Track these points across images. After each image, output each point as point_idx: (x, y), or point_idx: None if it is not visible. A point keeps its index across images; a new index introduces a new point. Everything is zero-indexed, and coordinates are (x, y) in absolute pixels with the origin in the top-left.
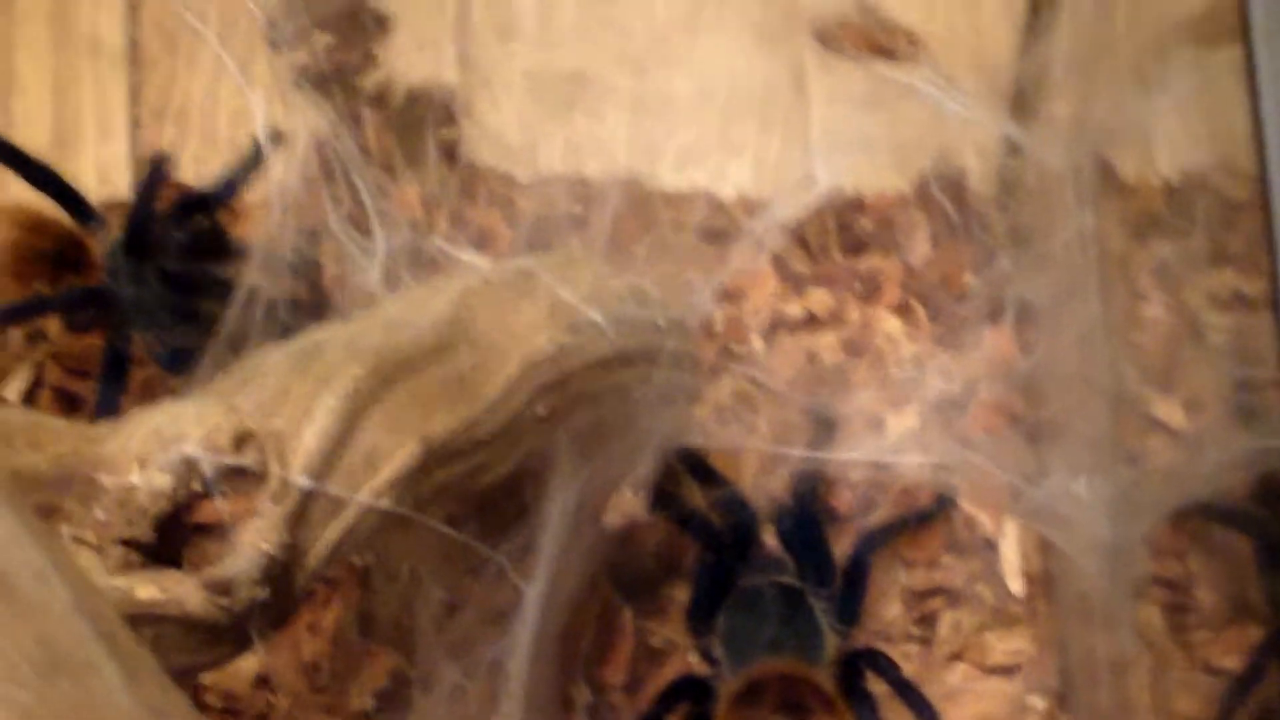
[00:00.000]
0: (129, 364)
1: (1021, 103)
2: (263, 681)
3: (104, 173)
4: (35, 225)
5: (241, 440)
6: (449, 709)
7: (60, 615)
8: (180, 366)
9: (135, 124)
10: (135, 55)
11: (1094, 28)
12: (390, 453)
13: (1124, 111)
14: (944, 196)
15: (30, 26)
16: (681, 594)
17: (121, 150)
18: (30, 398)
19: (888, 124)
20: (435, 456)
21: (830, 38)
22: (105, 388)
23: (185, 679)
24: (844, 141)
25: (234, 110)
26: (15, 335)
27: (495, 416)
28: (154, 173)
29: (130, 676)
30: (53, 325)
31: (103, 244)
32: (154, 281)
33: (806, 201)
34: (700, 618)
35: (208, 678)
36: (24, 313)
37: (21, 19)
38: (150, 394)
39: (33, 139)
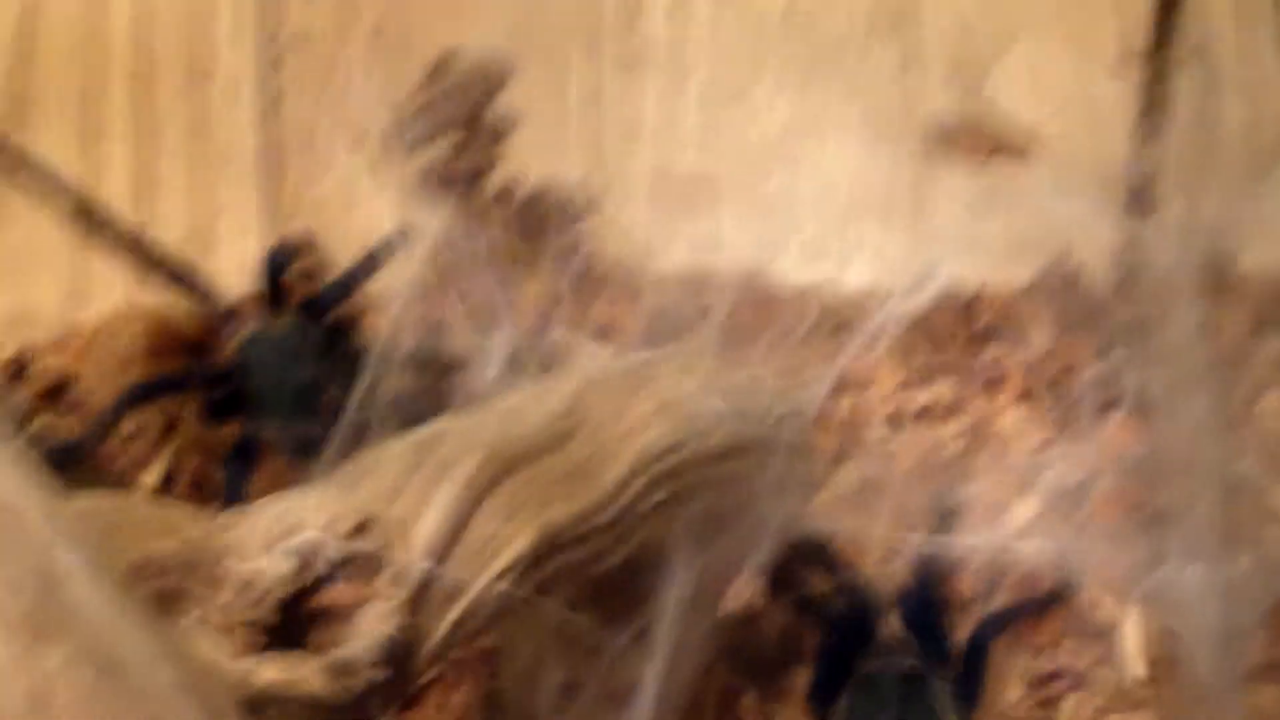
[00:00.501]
0: (257, 452)
1: (1136, 200)
2: None
3: (240, 271)
4: (164, 320)
5: (362, 526)
6: None
7: (168, 698)
8: (306, 455)
9: (270, 222)
10: (270, 156)
11: (1207, 127)
12: (508, 539)
13: (1241, 207)
14: (1062, 291)
15: (171, 129)
16: (803, 679)
17: (256, 249)
18: (166, 485)
19: (1005, 220)
20: (552, 543)
21: (948, 138)
22: (233, 474)
23: None
24: (963, 237)
25: (365, 210)
26: (153, 426)
27: (611, 505)
28: (282, 250)
29: None
30: (189, 417)
31: (232, 336)
32: (283, 368)
33: (924, 294)
34: (822, 701)
35: None
36: (160, 389)
37: (164, 121)
38: (277, 481)
39: (170, 237)
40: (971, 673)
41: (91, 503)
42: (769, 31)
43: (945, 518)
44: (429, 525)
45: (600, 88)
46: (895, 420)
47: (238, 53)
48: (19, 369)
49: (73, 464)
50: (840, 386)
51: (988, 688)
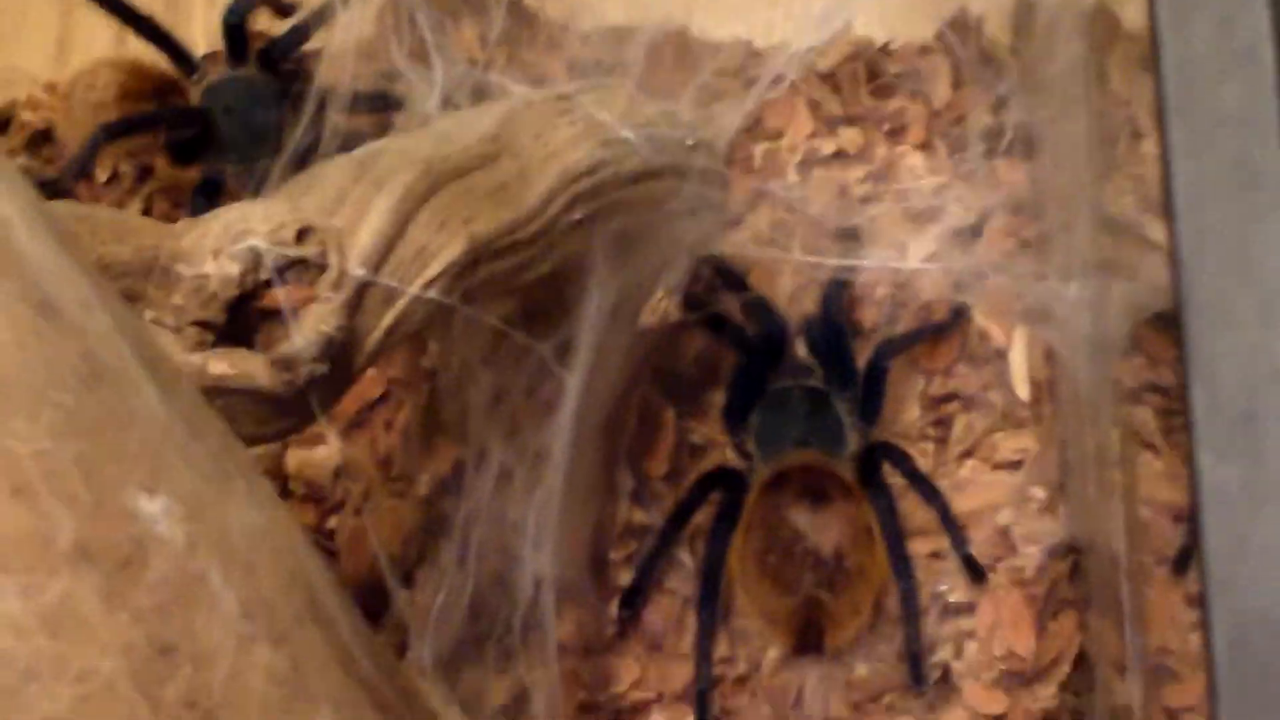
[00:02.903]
0: (221, 189)
1: None
2: (341, 472)
3: (210, 37)
4: (140, 70)
5: (303, 234)
6: (499, 490)
7: (102, 335)
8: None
9: None
10: None
11: None
12: (439, 249)
13: None
14: (962, 44)
15: None
16: (719, 396)
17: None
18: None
19: None
20: (480, 253)
21: None
22: (197, 208)
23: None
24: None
25: None
26: (127, 172)
27: (535, 220)
28: (240, 4)
29: (166, 391)
30: (159, 161)
31: (198, 82)
32: (243, 112)
33: (828, 38)
34: (735, 416)
35: (292, 468)
36: (127, 128)
37: None
38: None
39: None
40: (872, 392)
41: (54, 206)
42: None
43: (851, 251)
44: (366, 234)
45: None
46: (806, 165)
47: None
48: (3, 123)
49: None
50: (756, 135)
51: (887, 407)
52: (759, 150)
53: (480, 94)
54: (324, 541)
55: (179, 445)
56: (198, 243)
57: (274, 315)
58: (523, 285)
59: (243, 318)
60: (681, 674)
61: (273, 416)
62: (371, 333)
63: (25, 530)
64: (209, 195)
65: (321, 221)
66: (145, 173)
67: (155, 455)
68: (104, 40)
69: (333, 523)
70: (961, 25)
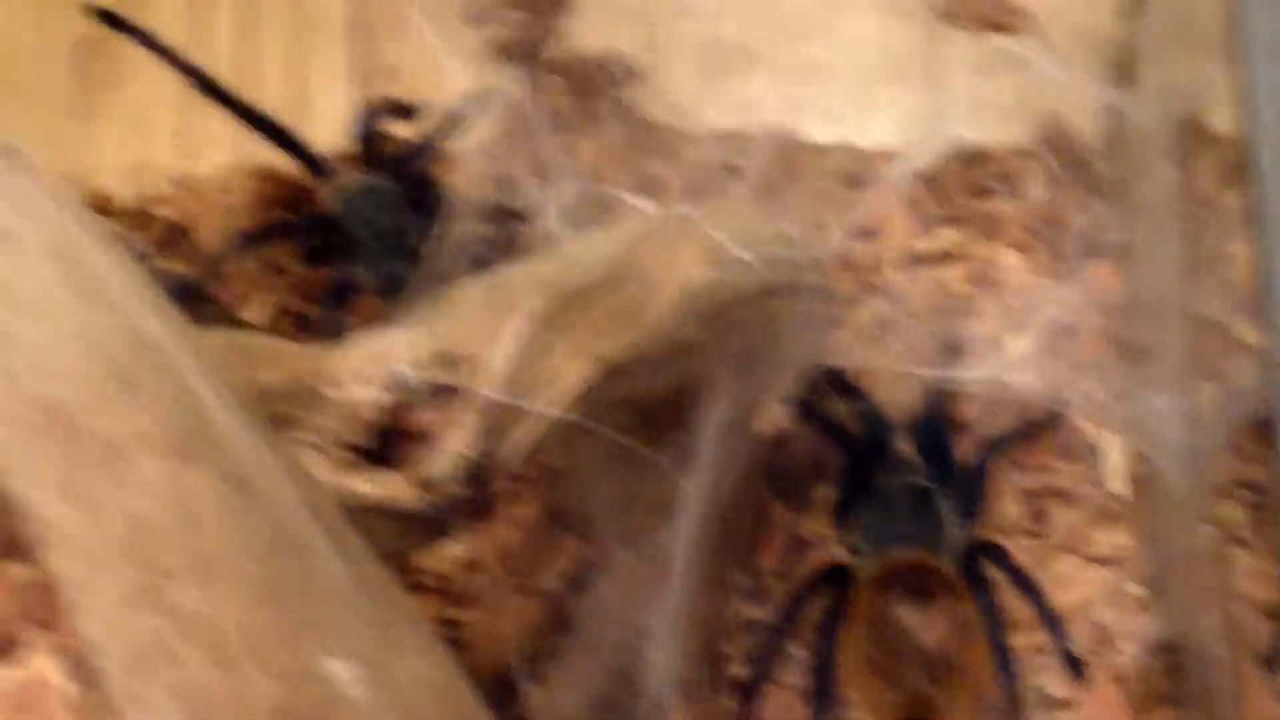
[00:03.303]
0: (351, 291)
1: (1122, 69)
2: (469, 566)
3: (331, 129)
4: (273, 177)
5: (443, 360)
6: (621, 588)
7: (289, 506)
8: (393, 293)
9: (354, 87)
10: (355, 28)
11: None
12: (568, 370)
13: (1209, 75)
14: (1054, 149)
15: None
16: (827, 493)
17: (344, 110)
18: (269, 319)
19: (1006, 87)
20: (606, 374)
21: (951, 14)
22: (330, 310)
23: (396, 562)
24: (967, 101)
25: (437, 75)
26: (255, 267)
27: (657, 340)
28: (374, 109)
29: (345, 556)
30: (290, 261)
31: (331, 188)
32: (375, 217)
33: (934, 151)
34: (842, 513)
35: (424, 563)
36: (267, 235)
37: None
38: (369, 316)
39: (268, 98)
40: (973, 488)
41: (212, 337)
42: None
43: (950, 351)
44: (500, 358)
45: None
46: (905, 264)
47: None
48: (140, 217)
49: (188, 302)
50: (857, 234)
51: (986, 502)
52: (859, 248)
53: (600, 207)
54: (450, 634)
55: (356, 605)
56: (345, 369)
57: (416, 437)
58: (645, 399)
59: (387, 439)
60: None
61: (412, 533)
62: (505, 452)
63: (228, 697)
64: (340, 296)
65: (458, 347)
66: (277, 272)
67: (338, 618)
68: (230, 135)
69: (457, 614)
70: (1056, 130)
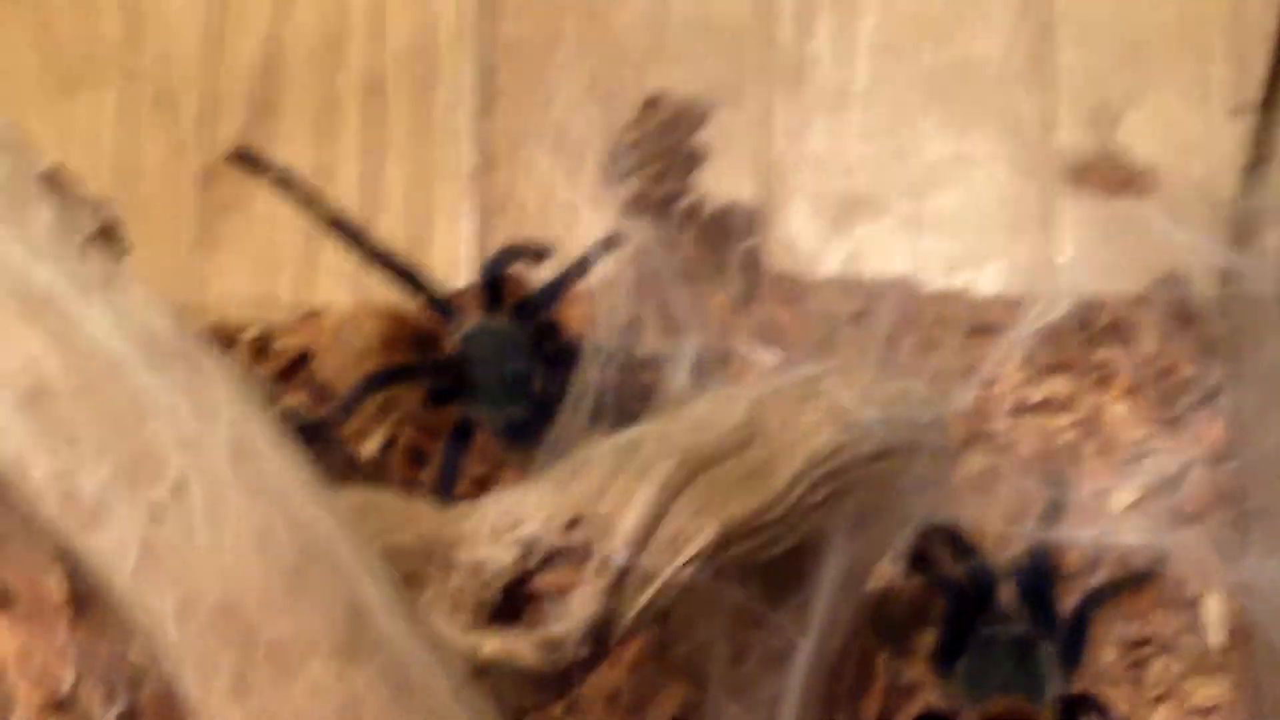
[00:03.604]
0: (472, 433)
1: (1240, 232)
2: (571, 707)
3: (453, 266)
4: (399, 319)
5: (574, 522)
6: None
7: (442, 700)
8: (514, 437)
9: (478, 224)
10: (482, 164)
11: None
12: (694, 533)
13: None
14: (1168, 302)
15: (397, 133)
16: (929, 640)
17: (468, 248)
18: (384, 454)
19: (1127, 243)
20: (731, 535)
21: (1078, 175)
22: (450, 451)
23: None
24: (1088, 256)
25: (564, 216)
26: (371, 404)
27: (782, 502)
28: (505, 253)
29: None
30: (407, 397)
31: (455, 331)
32: (499, 361)
33: (1056, 310)
34: (944, 661)
35: None
36: (392, 378)
37: (391, 125)
38: (487, 459)
39: (392, 234)
40: (1074, 638)
41: (347, 497)
42: (925, 77)
43: (1056, 504)
44: (629, 520)
45: (776, 122)
46: (1016, 412)
47: (457, 62)
48: (262, 348)
49: (317, 440)
50: (975, 384)
51: (1086, 652)
52: (971, 394)
53: (725, 360)
54: None
55: None
56: (475, 529)
57: (544, 596)
58: (766, 561)
59: (515, 598)
60: None
61: (536, 690)
62: (629, 612)
63: None
64: (461, 439)
65: (588, 509)
66: (391, 404)
67: None
68: (352, 269)
69: None
70: (1170, 281)
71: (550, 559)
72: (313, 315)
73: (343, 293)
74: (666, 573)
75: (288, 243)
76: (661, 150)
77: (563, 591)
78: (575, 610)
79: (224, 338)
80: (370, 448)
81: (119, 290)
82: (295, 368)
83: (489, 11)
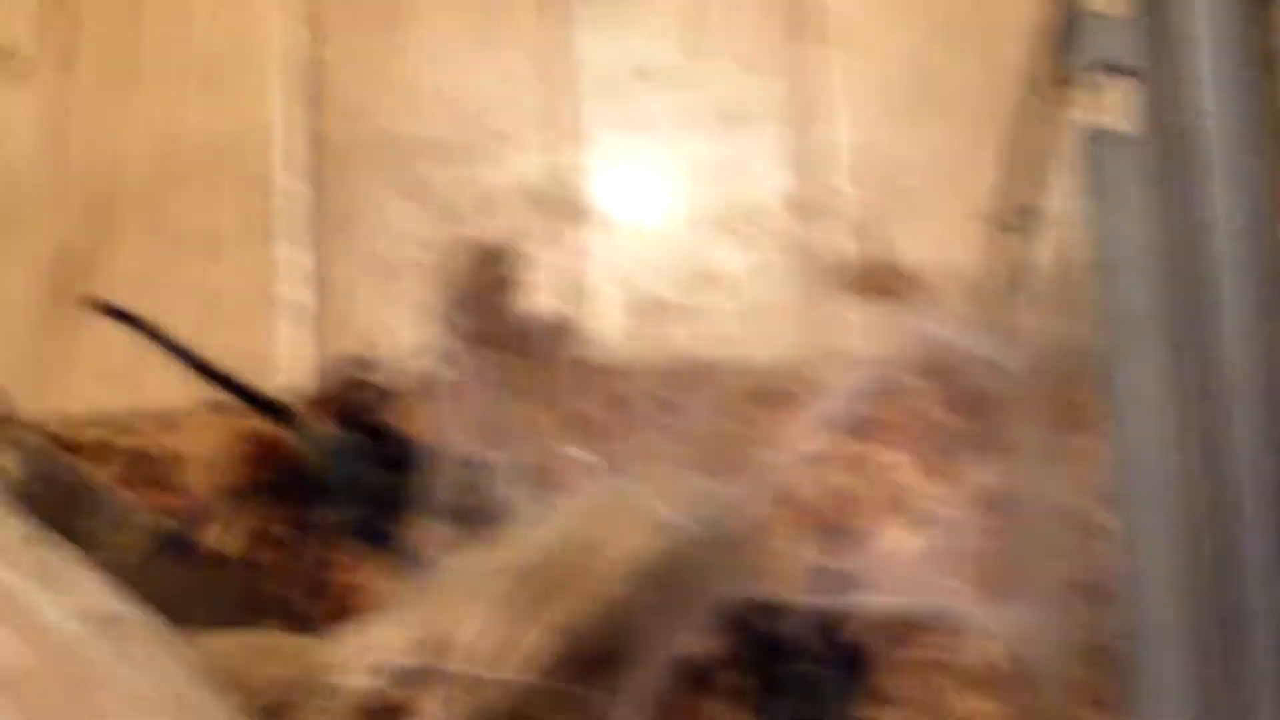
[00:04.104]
0: (328, 531)
1: (999, 326)
2: None
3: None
4: (254, 438)
5: (419, 647)
6: None
7: None
8: (364, 534)
9: (313, 336)
10: (321, 286)
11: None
12: (526, 640)
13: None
14: (946, 376)
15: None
16: (734, 679)
17: (301, 358)
18: (250, 546)
19: (901, 333)
20: (564, 641)
21: (853, 284)
22: (309, 548)
23: None
24: (866, 342)
25: (392, 335)
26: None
27: (604, 604)
28: (349, 367)
29: None
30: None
31: (304, 443)
32: (349, 468)
33: (846, 389)
34: (759, 699)
35: None
36: (250, 493)
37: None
38: (340, 552)
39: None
40: (866, 670)
41: (228, 639)
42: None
43: (839, 545)
44: (468, 638)
45: (583, 252)
46: (803, 469)
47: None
48: (104, 451)
49: (179, 550)
50: (765, 443)
51: (878, 678)
52: (766, 455)
53: (547, 466)
54: None
55: None
56: (339, 660)
57: (400, 711)
58: (593, 653)
59: (376, 714)
60: None
61: None
62: (472, 712)
63: None
64: (306, 540)
65: (432, 633)
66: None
67: None
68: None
69: None
70: (943, 355)
71: (402, 679)
72: (152, 417)
73: (176, 396)
74: (498, 677)
75: (124, 352)
76: (483, 290)
77: (416, 707)
78: (427, 717)
79: (67, 445)
80: (236, 542)
81: (68, 578)
82: (136, 467)
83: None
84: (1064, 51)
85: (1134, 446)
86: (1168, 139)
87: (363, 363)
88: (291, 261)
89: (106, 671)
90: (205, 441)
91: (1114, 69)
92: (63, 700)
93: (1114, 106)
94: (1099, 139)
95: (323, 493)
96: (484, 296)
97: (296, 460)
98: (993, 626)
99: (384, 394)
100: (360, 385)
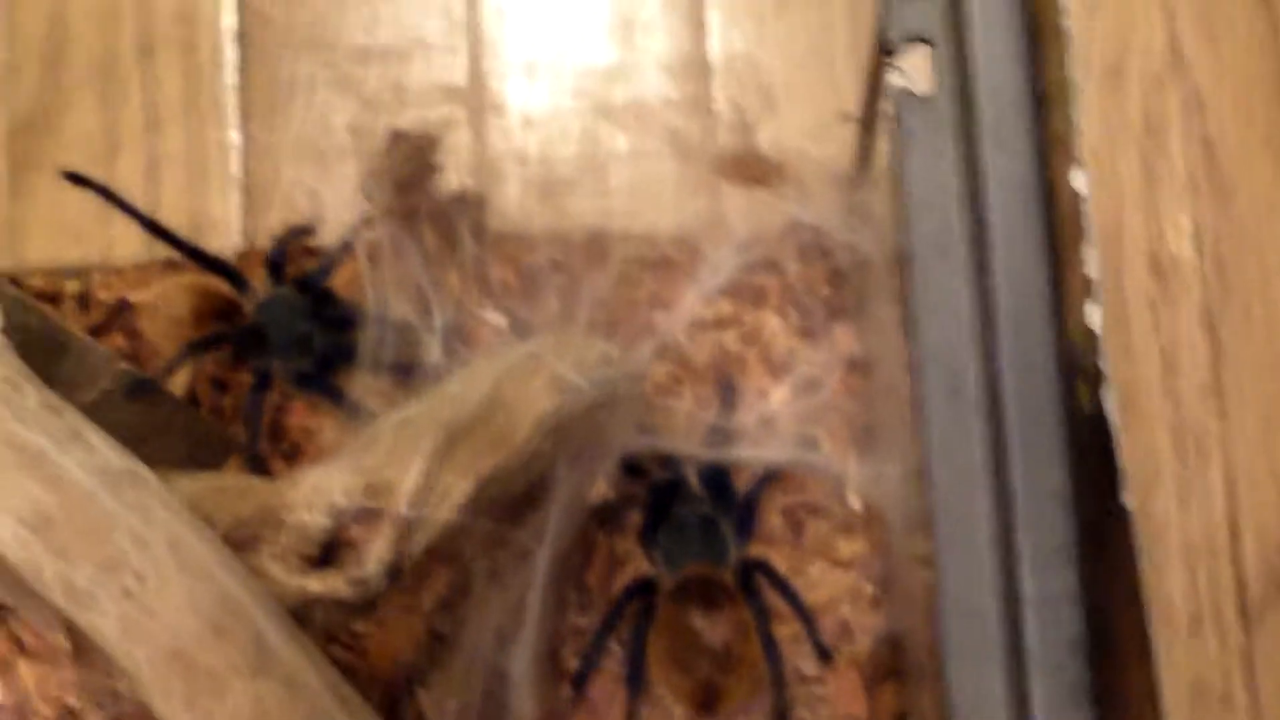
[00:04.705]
0: (270, 386)
1: (855, 210)
2: None
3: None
4: (208, 293)
5: (368, 490)
6: (489, 617)
7: (318, 691)
8: (305, 386)
9: (244, 201)
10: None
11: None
12: (456, 487)
13: None
14: (807, 243)
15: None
16: (636, 519)
17: (236, 220)
18: (199, 388)
19: (770, 217)
20: (484, 485)
21: (727, 172)
22: (253, 396)
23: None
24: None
25: (334, 206)
26: (196, 371)
27: (520, 455)
28: (291, 235)
29: (346, 707)
30: (219, 363)
31: (251, 300)
32: (289, 324)
33: (729, 260)
34: (648, 536)
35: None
36: (207, 344)
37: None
38: (284, 401)
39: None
40: (747, 513)
41: (200, 481)
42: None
43: (729, 399)
44: (409, 483)
45: (489, 136)
46: (691, 329)
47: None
48: (84, 302)
49: (144, 393)
50: (653, 304)
51: (757, 522)
52: (656, 317)
53: (464, 327)
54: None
55: None
56: (296, 499)
57: (349, 546)
58: (511, 497)
59: (328, 549)
60: None
61: (349, 613)
62: (414, 550)
63: None
64: (261, 387)
65: (377, 478)
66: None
67: None
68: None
69: (361, 628)
70: (805, 228)
71: (351, 518)
72: (120, 271)
73: (135, 254)
74: (438, 519)
75: (88, 200)
76: (406, 172)
77: (363, 542)
78: (375, 555)
79: (48, 295)
80: (182, 381)
81: (84, 438)
82: (113, 318)
83: None
84: (883, 26)
85: (935, 350)
86: (954, 100)
87: (296, 229)
88: (226, 138)
89: (121, 518)
90: (163, 295)
91: (920, 40)
92: (83, 541)
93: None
94: (906, 100)
95: (270, 345)
96: (405, 177)
97: (247, 319)
98: (855, 476)
99: (325, 263)
100: (294, 248)
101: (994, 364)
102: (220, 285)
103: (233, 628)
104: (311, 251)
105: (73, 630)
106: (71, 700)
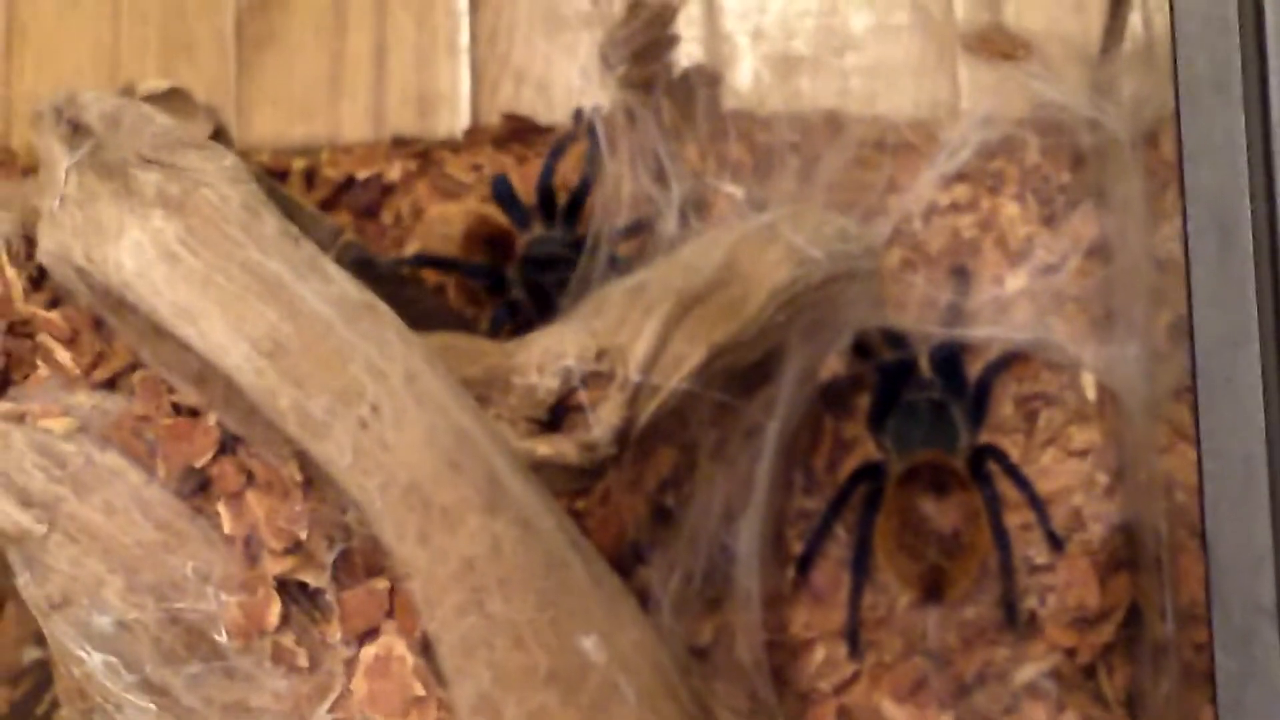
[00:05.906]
0: (517, 314)
1: (1103, 88)
2: None
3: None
4: (484, 220)
5: (599, 353)
6: (717, 493)
7: (551, 533)
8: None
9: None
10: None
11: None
12: (689, 354)
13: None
14: (1049, 126)
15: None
16: (865, 403)
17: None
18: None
19: (1012, 94)
20: (716, 354)
21: (972, 46)
22: (498, 320)
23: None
24: (980, 101)
25: (565, 96)
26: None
27: (752, 326)
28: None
29: (584, 559)
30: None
31: (527, 237)
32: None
33: (967, 143)
34: (877, 421)
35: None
36: (438, 264)
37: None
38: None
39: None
40: (980, 399)
41: (432, 339)
42: None
43: (963, 284)
44: (641, 349)
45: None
46: (926, 215)
47: None
48: (310, 178)
49: (368, 267)
50: (889, 190)
51: (989, 410)
52: (891, 200)
53: (702, 198)
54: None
55: (595, 595)
56: (526, 362)
57: (579, 410)
58: (743, 368)
59: (558, 413)
60: (838, 618)
61: (576, 479)
62: (642, 417)
63: (520, 668)
64: (509, 312)
65: (610, 342)
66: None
67: (586, 607)
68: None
69: (584, 506)
70: (1047, 109)
71: (583, 382)
72: (348, 149)
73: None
74: (669, 386)
75: (317, 78)
76: (644, 41)
77: (593, 406)
78: (604, 420)
79: (276, 173)
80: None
81: (321, 269)
82: (339, 194)
83: None
84: None
85: (1205, 195)
86: None
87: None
88: (455, 6)
89: (358, 349)
90: (442, 212)
91: None
92: (320, 371)
93: None
94: None
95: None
96: (643, 47)
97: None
98: (1092, 362)
99: (581, 187)
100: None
101: (1273, 211)
102: (498, 214)
103: (468, 464)
104: (540, 130)
105: (304, 462)
106: (301, 533)
